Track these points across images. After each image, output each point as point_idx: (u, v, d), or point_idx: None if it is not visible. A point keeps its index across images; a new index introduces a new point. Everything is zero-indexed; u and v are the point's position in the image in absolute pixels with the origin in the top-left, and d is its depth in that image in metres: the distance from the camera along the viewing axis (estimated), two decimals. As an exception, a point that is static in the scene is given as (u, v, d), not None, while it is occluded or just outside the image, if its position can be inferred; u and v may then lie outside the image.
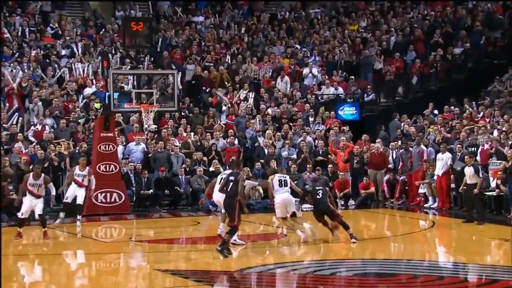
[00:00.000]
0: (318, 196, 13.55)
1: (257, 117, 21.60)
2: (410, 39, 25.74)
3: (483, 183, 16.05)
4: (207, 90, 22.90)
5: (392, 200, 19.24)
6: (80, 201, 15.56)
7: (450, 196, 18.16)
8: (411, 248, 13.25)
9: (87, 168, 15.92)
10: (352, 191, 19.40)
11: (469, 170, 15.56)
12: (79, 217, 15.62)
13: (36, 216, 14.41)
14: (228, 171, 13.80)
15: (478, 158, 17.42)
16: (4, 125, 19.27)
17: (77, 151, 18.77)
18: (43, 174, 14.46)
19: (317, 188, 13.79)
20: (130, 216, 17.79)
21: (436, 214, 17.78)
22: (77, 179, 15.53)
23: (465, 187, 15.85)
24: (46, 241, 14.05)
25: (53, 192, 15.13)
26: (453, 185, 17.88)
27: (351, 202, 19.32)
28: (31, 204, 14.06)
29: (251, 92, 22.68)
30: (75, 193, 15.49)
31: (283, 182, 13.87)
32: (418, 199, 19.00)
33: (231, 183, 12.24)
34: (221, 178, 13.35)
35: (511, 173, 16.36)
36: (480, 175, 15.52)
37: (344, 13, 27.91)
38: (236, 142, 20.39)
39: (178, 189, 18.90)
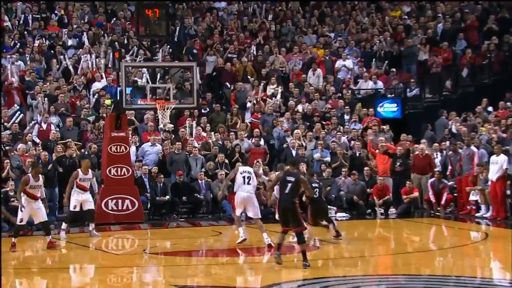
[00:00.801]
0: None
1: (286, 115, 21.60)
2: (460, 26, 25.57)
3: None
4: (230, 85, 22.97)
5: (438, 208, 19.11)
6: (90, 206, 15.72)
7: (506, 204, 17.98)
8: (461, 263, 13.16)
9: (90, 171, 16.04)
10: (393, 197, 19.31)
11: None
12: (92, 225, 15.76)
13: (37, 221, 14.50)
14: (245, 168, 14.19)
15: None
16: (5, 123, 19.46)
17: (86, 152, 18.89)
18: (41, 175, 14.60)
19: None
20: (144, 226, 17.90)
21: (490, 225, 17.63)
22: (82, 184, 15.64)
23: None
24: (51, 253, 14.17)
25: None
26: (509, 192, 17.71)
27: (392, 210, 19.24)
28: (31, 208, 14.13)
29: (279, 87, 22.69)
30: (82, 199, 15.62)
31: (246, 179, 14.02)
32: (468, 207, 18.87)
33: (289, 184, 12.17)
34: (243, 177, 13.67)
35: None
36: None
37: (385, -3, 27.85)
38: (262, 142, 20.40)
39: (198, 195, 18.98)
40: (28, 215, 14.24)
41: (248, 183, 14.21)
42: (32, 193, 14.14)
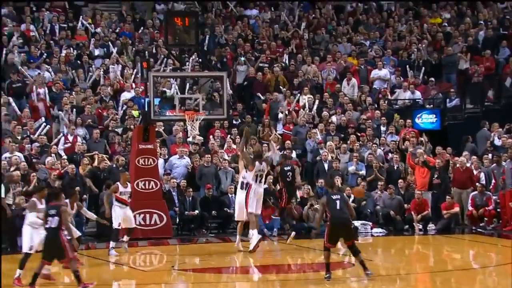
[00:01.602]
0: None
1: (319, 126, 21.61)
2: (503, 33, 25.39)
3: None
4: (261, 95, 23.05)
5: (481, 224, 18.94)
6: (131, 224, 15.92)
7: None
8: (505, 283, 13.03)
9: (129, 184, 16.19)
10: (432, 213, 19.18)
11: None
12: (127, 238, 15.92)
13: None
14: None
15: None
16: (31, 135, 19.72)
17: (114, 165, 19.03)
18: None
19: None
20: (173, 241, 17.98)
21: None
22: (122, 198, 15.75)
23: None
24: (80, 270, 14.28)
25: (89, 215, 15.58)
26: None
27: (431, 226, 19.12)
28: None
29: (312, 97, 22.72)
30: (124, 216, 15.73)
31: (259, 177, 15.48)
32: (512, 223, 18.70)
33: (337, 202, 12.65)
34: (257, 175, 15.14)
35: None
36: None
37: (424, 4, 27.73)
38: (293, 155, 20.43)
39: (227, 210, 19.02)
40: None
41: (260, 181, 15.34)
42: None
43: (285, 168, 15.95)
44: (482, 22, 25.93)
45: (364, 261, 12.75)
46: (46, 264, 11.82)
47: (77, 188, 17.88)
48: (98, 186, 18.60)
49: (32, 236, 12.56)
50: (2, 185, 17.00)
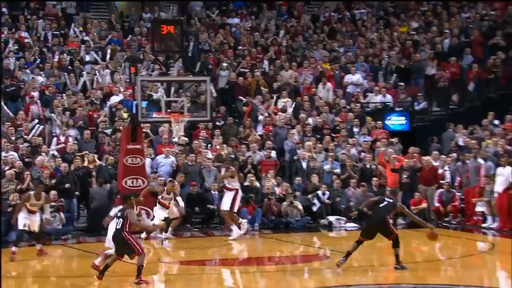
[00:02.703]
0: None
1: (297, 128, 21.60)
2: (467, 41, 25.50)
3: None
4: (242, 98, 23.01)
5: (447, 218, 19.01)
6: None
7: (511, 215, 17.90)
8: (468, 274, 13.09)
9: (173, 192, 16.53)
10: (401, 209, 19.19)
11: None
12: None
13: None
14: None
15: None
16: (25, 136, 19.60)
17: (103, 164, 18.98)
18: (44, 193, 14.96)
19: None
20: (159, 235, 17.86)
21: (497, 235, 17.51)
22: (163, 202, 16.28)
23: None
24: (68, 262, 14.20)
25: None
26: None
27: (400, 220, 19.14)
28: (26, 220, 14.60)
29: (290, 100, 22.71)
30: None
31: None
32: (475, 218, 18.79)
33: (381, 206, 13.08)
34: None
35: None
36: None
37: (393, 14, 27.81)
38: (273, 154, 20.42)
39: (211, 206, 18.97)
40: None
41: None
42: (31, 210, 14.65)
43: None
44: (447, 31, 26.02)
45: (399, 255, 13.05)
46: (118, 259, 12.20)
47: (68, 185, 17.85)
48: (88, 183, 18.51)
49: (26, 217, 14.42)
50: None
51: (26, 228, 14.56)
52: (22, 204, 14.72)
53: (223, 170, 17.46)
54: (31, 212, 14.65)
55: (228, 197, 17.04)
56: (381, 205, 13.10)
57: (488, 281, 13.02)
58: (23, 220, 14.55)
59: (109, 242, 12.98)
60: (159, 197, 16.23)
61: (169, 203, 16.29)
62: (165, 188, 16.50)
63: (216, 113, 21.80)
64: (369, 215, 13.66)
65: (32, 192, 14.90)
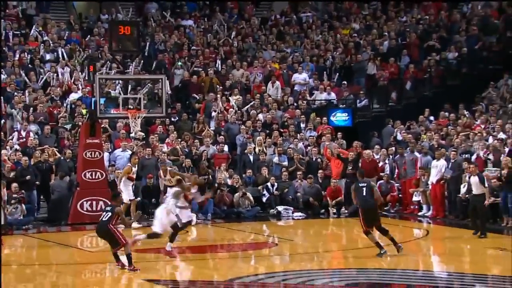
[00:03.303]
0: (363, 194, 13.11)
1: (247, 123, 21.61)
2: (404, 43, 25.84)
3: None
4: (196, 96, 22.91)
5: (386, 208, 19.25)
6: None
7: (444, 205, 18.23)
8: (405, 259, 13.28)
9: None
10: (344, 199, 19.38)
11: (474, 180, 15.35)
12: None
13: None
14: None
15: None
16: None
17: (62, 157, 18.73)
18: None
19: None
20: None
21: (430, 223, 17.83)
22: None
23: (467, 196, 15.92)
24: (30, 251, 13.96)
25: None
26: (447, 193, 17.96)
27: (344, 210, 19.34)
28: None
29: (241, 98, 22.71)
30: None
31: None
32: (412, 207, 19.07)
33: (364, 189, 12.99)
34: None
35: (506, 182, 16.42)
36: (486, 185, 15.26)
37: (337, 17, 28.00)
38: (225, 149, 20.40)
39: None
40: None
41: None
42: None
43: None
44: (386, 33, 26.32)
45: (394, 238, 13.09)
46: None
47: (28, 177, 17.52)
48: (47, 176, 18.23)
49: None
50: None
51: None
52: None
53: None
54: None
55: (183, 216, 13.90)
56: (364, 191, 13.00)
57: (423, 265, 13.27)
58: None
59: (157, 226, 12.99)
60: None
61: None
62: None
63: (171, 110, 21.64)
64: (360, 204, 13.25)
65: None
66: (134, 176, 17.32)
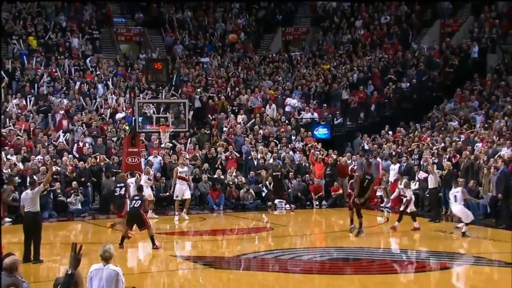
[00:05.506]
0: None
1: (250, 136, 21.65)
2: (369, 76, 25.88)
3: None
4: (212, 115, 22.96)
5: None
6: (188, 195, 16.01)
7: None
8: (370, 239, 13.31)
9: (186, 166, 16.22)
10: (325, 194, 19.41)
11: (431, 178, 15.59)
12: (185, 210, 16.07)
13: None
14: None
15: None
16: (53, 142, 19.27)
17: (110, 162, 18.78)
18: None
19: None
20: (150, 214, 17.64)
21: (390, 212, 17.82)
22: (182, 175, 16.11)
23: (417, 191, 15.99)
24: (85, 233, 13.83)
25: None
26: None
27: (324, 202, 19.34)
28: None
29: (245, 117, 22.75)
30: (182, 189, 15.83)
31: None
32: (376, 200, 19.06)
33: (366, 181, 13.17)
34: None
35: (446, 180, 16.45)
36: (438, 177, 15.53)
37: (319, 56, 28.07)
38: (235, 155, 20.42)
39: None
40: None
41: None
42: None
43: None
44: (355, 68, 26.34)
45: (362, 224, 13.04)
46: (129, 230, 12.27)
47: (83, 179, 17.51)
48: (99, 177, 18.26)
49: None
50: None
51: None
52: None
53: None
54: None
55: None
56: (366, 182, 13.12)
57: (383, 244, 13.27)
58: None
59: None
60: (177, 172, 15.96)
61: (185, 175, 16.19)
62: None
63: (192, 126, 21.69)
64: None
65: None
66: (186, 175, 16.68)
